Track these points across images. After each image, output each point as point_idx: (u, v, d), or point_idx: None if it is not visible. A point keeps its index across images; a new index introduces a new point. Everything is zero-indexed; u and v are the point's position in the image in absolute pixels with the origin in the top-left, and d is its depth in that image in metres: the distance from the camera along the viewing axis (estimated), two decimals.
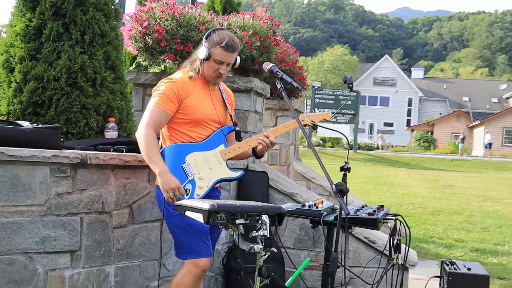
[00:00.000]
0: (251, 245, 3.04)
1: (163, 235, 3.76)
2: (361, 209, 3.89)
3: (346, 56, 78.74)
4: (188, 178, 3.71)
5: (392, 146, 51.71)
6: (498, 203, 14.75)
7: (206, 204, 2.96)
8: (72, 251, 3.71)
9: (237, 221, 3.03)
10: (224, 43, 3.77)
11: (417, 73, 79.17)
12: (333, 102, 32.36)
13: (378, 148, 47.30)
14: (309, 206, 3.79)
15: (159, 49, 5.47)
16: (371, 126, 66.60)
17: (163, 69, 6.05)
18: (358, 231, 5.42)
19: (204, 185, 3.77)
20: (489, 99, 71.87)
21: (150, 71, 6.10)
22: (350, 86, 3.87)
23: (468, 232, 10.48)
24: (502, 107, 64.53)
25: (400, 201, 14.30)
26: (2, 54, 4.44)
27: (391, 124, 67.87)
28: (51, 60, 4.36)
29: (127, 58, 7.95)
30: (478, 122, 53.48)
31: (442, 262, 4.94)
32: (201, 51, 3.80)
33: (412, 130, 60.00)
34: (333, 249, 3.42)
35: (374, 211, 3.76)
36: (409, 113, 70.08)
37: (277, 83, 3.65)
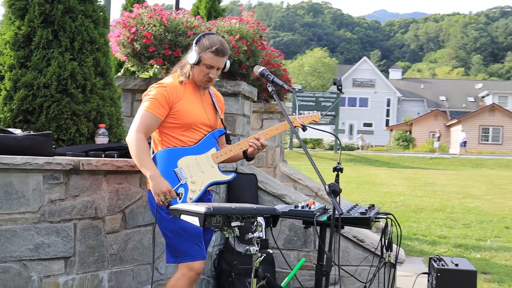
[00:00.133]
0: (247, 247, 3.01)
1: (155, 239, 3.72)
2: (353, 208, 3.88)
3: (325, 59, 79.03)
4: (180, 182, 3.67)
5: (372, 146, 51.90)
6: (478, 199, 14.85)
7: (202, 208, 2.93)
8: (66, 258, 3.67)
9: (233, 224, 3.00)
10: (214, 47, 3.75)
11: (395, 74, 79.66)
12: (314, 104, 32.45)
13: (358, 148, 47.48)
14: (302, 207, 3.77)
15: (148, 55, 5.43)
16: (351, 127, 66.82)
17: (151, 75, 6.00)
18: (347, 230, 5.41)
19: (197, 189, 3.74)
20: (465, 98, 72.46)
21: (139, 76, 6.05)
22: (340, 88, 3.85)
23: (450, 228, 10.53)
24: (478, 106, 65.12)
25: (382, 199, 14.34)
26: None
27: (370, 125, 68.15)
28: (41, 68, 4.30)
29: (112, 64, 7.88)
30: (455, 120, 53.88)
31: (430, 258, 4.95)
32: (191, 56, 3.78)
33: (391, 130, 60.29)
34: (326, 249, 3.41)
35: (366, 210, 3.76)
36: (387, 113, 70.43)
37: (268, 86, 3.63)
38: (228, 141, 4.09)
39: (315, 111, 4.14)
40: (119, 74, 6.14)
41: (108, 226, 3.97)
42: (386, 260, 3.87)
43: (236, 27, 5.67)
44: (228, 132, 4.07)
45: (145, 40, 5.34)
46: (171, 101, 3.73)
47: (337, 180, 3.27)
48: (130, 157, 4.00)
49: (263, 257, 3.04)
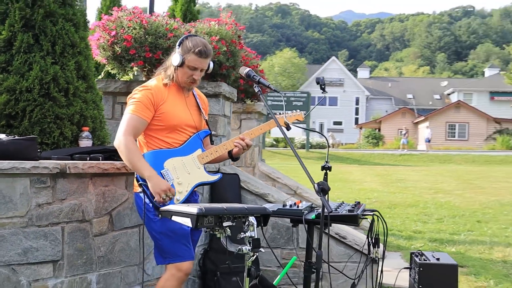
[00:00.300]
0: (239, 247, 2.99)
1: (141, 240, 3.69)
2: (340, 206, 3.89)
3: (295, 59, 79.25)
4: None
5: (342, 144, 52.22)
6: (449, 194, 15.00)
7: (194, 209, 2.91)
8: (55, 261, 3.62)
9: (224, 224, 2.99)
10: (197, 49, 3.73)
11: (363, 73, 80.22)
12: (285, 103, 32.49)
13: (329, 146, 47.64)
14: (290, 205, 3.77)
15: (128, 57, 5.38)
16: (321, 126, 67.08)
17: (132, 77, 5.95)
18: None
19: (184, 190, 3.72)
20: (432, 96, 73.33)
21: (119, 79, 5.99)
22: (323, 87, 3.86)
23: (424, 223, 10.61)
24: (444, 103, 65.99)
25: (357, 196, 14.40)
26: None
27: (340, 123, 68.56)
28: (23, 72, 4.23)
29: None
30: (422, 118, 54.46)
31: (411, 253, 4.99)
32: (175, 58, 3.75)
33: (361, 128, 60.70)
34: (316, 247, 3.40)
35: (353, 207, 3.77)
36: (357, 111, 70.94)
37: (255, 87, 3.61)
38: (211, 142, 4.08)
39: (299, 110, 4.14)
40: (100, 77, 6.07)
41: (96, 229, 3.93)
42: (374, 256, 3.88)
43: (215, 28, 5.64)
44: (214, 132, 4.06)
45: (126, 43, 5.29)
46: (156, 103, 3.70)
47: (325, 178, 3.27)
48: (115, 160, 3.97)
49: (255, 256, 3.03)
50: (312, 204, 3.94)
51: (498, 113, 57.27)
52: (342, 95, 69.25)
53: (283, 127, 3.76)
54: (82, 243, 3.80)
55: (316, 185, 3.13)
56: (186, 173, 3.74)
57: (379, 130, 56.56)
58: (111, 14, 5.54)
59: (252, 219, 3.02)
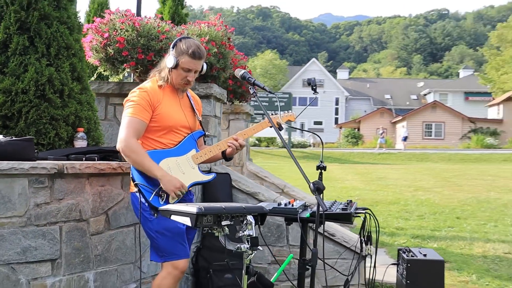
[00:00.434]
0: (238, 245, 2.98)
1: (136, 239, 3.67)
2: (333, 205, 3.89)
3: (276, 61, 79.31)
4: None
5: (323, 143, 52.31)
6: (428, 192, 15.10)
7: (193, 208, 2.89)
8: (53, 260, 3.58)
9: (223, 223, 2.97)
10: (190, 51, 3.72)
11: (342, 74, 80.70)
12: (267, 104, 32.46)
13: (310, 145, 47.83)
14: (285, 204, 3.77)
15: (121, 59, 5.34)
16: (302, 125, 67.24)
17: (121, 78, 5.90)
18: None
19: None
20: (409, 96, 73.90)
21: (111, 81, 5.94)
22: (314, 87, 3.85)
23: (406, 220, 10.67)
24: (421, 103, 66.54)
25: (339, 194, 14.46)
26: None
27: (320, 123, 68.81)
28: (19, 73, 4.18)
29: None
30: (400, 117, 54.83)
31: (398, 250, 5.01)
32: (169, 60, 3.74)
33: (340, 128, 60.96)
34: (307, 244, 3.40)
35: (346, 206, 3.77)
36: (336, 111, 71.28)
37: (250, 88, 3.61)
38: (204, 142, 4.07)
39: (290, 111, 4.13)
40: (92, 78, 6.02)
41: (93, 228, 3.90)
42: (366, 253, 3.89)
43: (206, 30, 5.63)
44: (208, 133, 4.05)
45: (119, 45, 5.25)
46: (153, 104, 3.69)
47: (320, 178, 3.27)
48: (110, 160, 3.95)
49: (253, 254, 3.02)
50: (305, 202, 3.94)
51: (472, 112, 57.96)
52: (322, 96, 69.40)
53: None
54: (79, 242, 3.77)
55: (311, 184, 3.13)
56: (181, 173, 3.73)
57: (359, 129, 56.84)
58: (103, 16, 5.49)
59: (250, 218, 3.01)
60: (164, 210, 3.16)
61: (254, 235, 2.99)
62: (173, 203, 3.56)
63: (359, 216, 3.82)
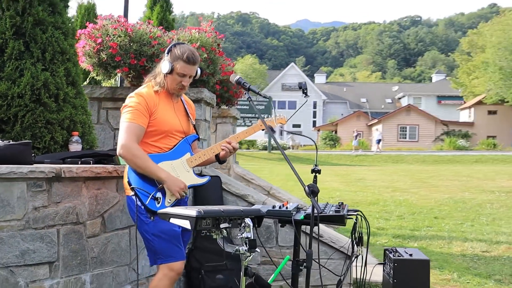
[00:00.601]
0: (236, 247, 2.97)
1: (131, 241, 3.64)
2: (326, 207, 3.89)
3: (255, 65, 79.43)
4: (158, 186, 3.60)
5: (302, 146, 52.48)
6: (405, 192, 15.19)
7: (193, 211, 2.87)
8: (51, 262, 3.54)
9: (221, 225, 2.96)
10: (185, 56, 3.70)
11: (320, 78, 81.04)
12: (248, 107, 32.49)
13: (289, 148, 47.94)
14: (279, 207, 3.76)
15: (114, 64, 5.29)
16: (281, 128, 67.30)
17: (113, 82, 5.86)
18: (306, 226, 5.41)
19: None
20: (384, 100, 74.40)
21: (103, 86, 5.89)
22: (305, 91, 3.83)
23: (386, 220, 10.71)
24: (395, 107, 66.99)
25: (321, 195, 14.16)
26: None
27: (299, 126, 68.94)
28: (14, 78, 4.14)
29: None
30: (376, 120, 55.21)
31: (385, 250, 5.01)
32: (164, 66, 3.71)
33: (318, 130, 61.16)
34: (301, 246, 3.40)
35: (339, 208, 3.78)
36: (314, 114, 71.48)
37: (245, 93, 3.60)
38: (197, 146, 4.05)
39: (281, 114, 4.12)
40: (85, 83, 5.96)
41: (89, 231, 3.86)
42: (358, 254, 3.90)
43: (196, 36, 5.60)
44: (201, 137, 4.02)
45: (111, 50, 5.20)
46: (150, 110, 3.66)
47: (315, 181, 3.27)
48: (105, 164, 3.92)
49: (251, 256, 3.01)
50: (298, 205, 3.94)
51: (445, 115, 58.64)
52: (300, 99, 69.52)
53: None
54: (76, 245, 3.73)
55: (306, 187, 3.13)
56: (176, 176, 3.70)
57: (336, 132, 57.14)
58: (96, 22, 5.44)
59: (248, 220, 2.99)
60: (163, 213, 3.14)
61: (252, 238, 2.98)
62: (169, 206, 3.54)
63: (351, 218, 3.83)
